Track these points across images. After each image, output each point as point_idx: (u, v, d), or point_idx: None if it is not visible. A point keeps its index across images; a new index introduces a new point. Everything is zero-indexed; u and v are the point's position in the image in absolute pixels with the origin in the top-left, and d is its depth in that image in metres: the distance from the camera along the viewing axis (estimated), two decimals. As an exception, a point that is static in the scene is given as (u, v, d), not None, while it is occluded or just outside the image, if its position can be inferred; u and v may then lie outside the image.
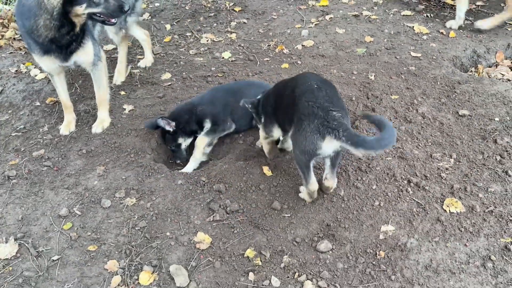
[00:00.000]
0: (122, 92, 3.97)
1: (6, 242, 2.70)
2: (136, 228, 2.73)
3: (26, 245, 2.67)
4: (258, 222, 2.70)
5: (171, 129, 3.25)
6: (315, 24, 4.93)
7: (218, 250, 2.58)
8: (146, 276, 2.44)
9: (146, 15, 5.43)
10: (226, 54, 4.49)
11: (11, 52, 4.78)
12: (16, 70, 4.37)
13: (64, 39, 3.06)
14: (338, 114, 2.37)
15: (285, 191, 2.86)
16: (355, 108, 3.50)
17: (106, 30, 3.90)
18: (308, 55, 4.36)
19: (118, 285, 2.41)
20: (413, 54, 4.21)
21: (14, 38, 5.13)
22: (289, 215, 2.72)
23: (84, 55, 3.30)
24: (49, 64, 3.26)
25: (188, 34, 4.99)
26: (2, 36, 5.14)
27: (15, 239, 2.70)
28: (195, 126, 3.34)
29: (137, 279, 2.43)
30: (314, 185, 2.63)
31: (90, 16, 3.04)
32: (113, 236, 2.70)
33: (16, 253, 2.63)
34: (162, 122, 3.24)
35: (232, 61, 4.39)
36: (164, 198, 2.92)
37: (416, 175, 2.89)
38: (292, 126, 2.57)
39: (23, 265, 2.57)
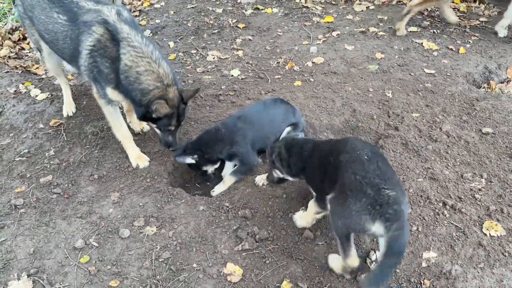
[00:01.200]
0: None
1: (19, 279, 2.47)
2: (160, 260, 2.55)
3: (41, 281, 2.45)
4: (290, 250, 2.55)
5: (193, 161, 3.07)
6: (322, 41, 4.86)
7: (251, 282, 2.41)
8: (177, 315, 2.26)
9: (147, 32, 5.29)
10: (235, 72, 4.37)
11: (7, 71, 4.55)
12: (15, 90, 4.16)
13: None
14: (393, 194, 2.04)
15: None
16: (377, 126, 3.41)
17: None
18: (320, 72, 4.28)
19: (147, 325, 2.22)
20: (426, 70, 4.16)
21: (9, 57, 4.92)
22: (323, 242, 2.58)
23: None
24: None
25: (193, 51, 4.86)
26: (-3, 54, 4.92)
27: (28, 275, 2.48)
28: (223, 156, 3.15)
29: (168, 318, 2.25)
30: (354, 260, 2.23)
31: None
32: (136, 269, 2.50)
33: (30, 291, 2.41)
34: (180, 159, 3.07)
35: (242, 79, 4.27)
36: (186, 226, 2.75)
37: (450, 197, 2.79)
38: (332, 192, 2.23)
39: (38, 305, 2.36)
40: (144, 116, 2.85)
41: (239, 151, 3.08)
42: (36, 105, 3.93)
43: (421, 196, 2.78)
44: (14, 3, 5.62)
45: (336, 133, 3.46)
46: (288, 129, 3.22)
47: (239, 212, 2.79)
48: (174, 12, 5.82)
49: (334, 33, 4.99)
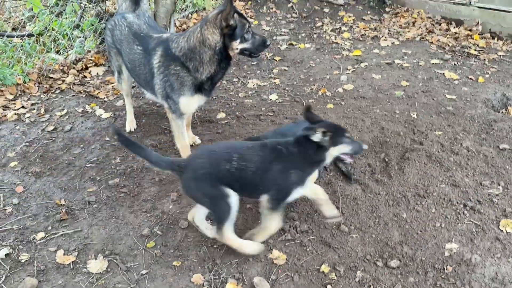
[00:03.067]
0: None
1: (96, 259, 2.93)
2: (215, 246, 2.96)
3: (115, 261, 2.90)
4: (328, 241, 2.93)
5: None
6: (351, 71, 5.37)
7: (294, 265, 2.79)
8: (232, 287, 2.65)
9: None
10: (273, 96, 4.90)
11: (73, 95, 5.22)
12: (82, 110, 4.79)
13: (220, 74, 3.37)
14: None
15: (350, 214, 3.11)
16: (403, 142, 3.82)
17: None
18: (350, 97, 4.76)
19: (207, 295, 2.62)
20: (448, 96, 4.58)
21: (74, 83, 5.61)
22: (357, 235, 2.95)
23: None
24: (196, 103, 3.50)
25: (235, 79, 5.44)
26: (63, 81, 5.62)
27: (103, 256, 2.94)
28: None
29: (225, 290, 2.64)
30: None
31: (242, 51, 3.27)
32: (194, 253, 2.92)
33: (107, 268, 2.85)
34: None
35: (279, 102, 4.79)
36: (236, 220, 3.17)
37: (470, 200, 3.14)
38: None
39: (114, 279, 2.78)
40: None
41: None
42: (102, 122, 4.53)
43: (444, 199, 3.15)
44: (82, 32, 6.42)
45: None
46: None
47: (288, 215, 3.17)
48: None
49: (362, 65, 5.51)
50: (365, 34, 6.65)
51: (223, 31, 3.11)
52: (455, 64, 5.37)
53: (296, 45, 6.41)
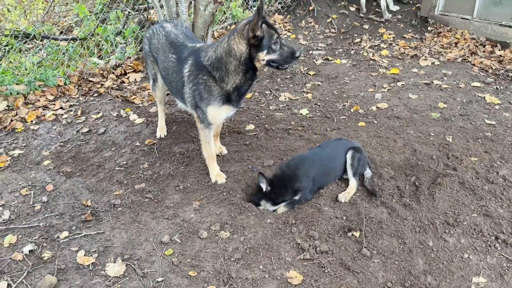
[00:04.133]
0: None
1: (115, 262, 2.97)
2: (232, 259, 2.94)
3: (133, 266, 2.92)
4: (348, 264, 2.83)
5: (264, 189, 3.37)
6: (387, 89, 5.25)
7: (310, 286, 2.72)
8: (245, 303, 2.61)
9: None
10: (304, 111, 4.85)
11: (110, 99, 5.38)
12: (117, 114, 4.92)
13: (246, 85, 3.35)
14: None
15: (373, 237, 3.01)
16: (436, 166, 3.66)
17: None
18: (383, 116, 4.64)
19: (220, 309, 2.59)
20: (487, 121, 4.38)
21: (112, 88, 5.78)
22: (379, 261, 2.84)
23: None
24: (224, 114, 3.48)
25: (267, 92, 5.44)
26: (102, 85, 5.82)
27: (122, 260, 2.97)
28: (286, 197, 3.41)
29: (237, 305, 2.60)
30: None
31: (268, 62, 3.21)
32: (211, 265, 2.91)
33: (124, 272, 2.88)
34: (261, 179, 3.31)
35: (310, 117, 4.73)
36: (255, 234, 3.13)
37: (503, 232, 2.96)
38: None
39: (130, 284, 2.80)
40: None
41: (302, 186, 3.41)
42: (134, 127, 4.64)
43: (474, 229, 2.98)
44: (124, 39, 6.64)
45: (396, 169, 3.74)
46: (350, 153, 3.54)
47: (309, 233, 3.10)
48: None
49: (399, 83, 5.37)
50: (404, 53, 6.50)
51: (250, 42, 3.10)
52: (497, 88, 5.14)
53: (332, 60, 6.35)
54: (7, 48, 6.50)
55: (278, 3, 7.98)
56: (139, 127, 4.64)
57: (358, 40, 7.11)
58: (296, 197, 3.44)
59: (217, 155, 4.05)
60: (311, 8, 7.87)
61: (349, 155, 3.52)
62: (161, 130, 4.45)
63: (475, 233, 2.96)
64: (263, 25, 3.06)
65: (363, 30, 7.42)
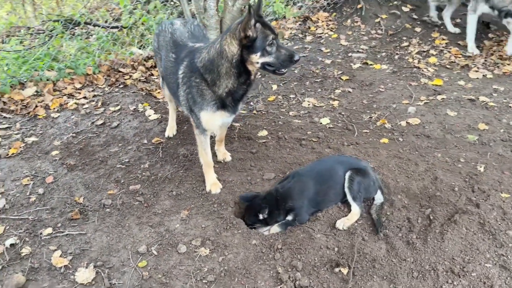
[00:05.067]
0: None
1: (86, 268, 2.87)
2: (203, 281, 2.72)
3: (102, 274, 2.80)
4: (327, 305, 2.52)
5: (261, 217, 3.14)
6: (424, 103, 4.73)
7: (279, 325, 2.44)
8: (202, 335, 2.39)
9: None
10: (325, 120, 4.49)
11: (133, 92, 5.34)
12: (134, 109, 4.86)
13: (241, 90, 3.10)
14: None
15: (362, 277, 2.65)
16: (457, 199, 3.18)
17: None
18: (412, 133, 4.16)
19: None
20: (533, 150, 3.77)
21: (139, 80, 5.75)
22: (362, 305, 2.49)
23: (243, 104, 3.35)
24: (218, 120, 3.27)
25: (292, 96, 5.12)
26: (130, 76, 5.80)
27: (94, 266, 2.86)
28: (279, 218, 3.17)
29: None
30: None
31: (263, 65, 2.94)
32: (180, 285, 2.71)
33: (92, 280, 2.77)
34: (264, 211, 3.10)
35: (329, 127, 4.37)
36: (236, 255, 2.89)
37: (521, 292, 2.48)
38: None
39: (95, 293, 2.70)
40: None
41: (296, 206, 3.12)
42: (147, 123, 4.54)
43: (484, 282, 2.52)
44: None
45: (411, 198, 3.31)
46: (348, 174, 3.18)
47: (292, 262, 2.80)
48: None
49: (439, 97, 4.82)
50: (454, 62, 5.84)
51: (242, 42, 2.82)
52: (556, 111, 4.44)
53: (371, 65, 5.86)
54: (53, 32, 6.72)
55: (325, 0, 7.54)
56: (152, 123, 4.53)
57: (405, 44, 6.52)
58: (289, 218, 3.16)
59: (220, 162, 3.84)
60: (359, 6, 7.35)
61: (347, 176, 3.16)
62: (171, 130, 4.31)
63: (484, 287, 2.50)
64: (257, 25, 2.77)
65: (414, 33, 6.80)
